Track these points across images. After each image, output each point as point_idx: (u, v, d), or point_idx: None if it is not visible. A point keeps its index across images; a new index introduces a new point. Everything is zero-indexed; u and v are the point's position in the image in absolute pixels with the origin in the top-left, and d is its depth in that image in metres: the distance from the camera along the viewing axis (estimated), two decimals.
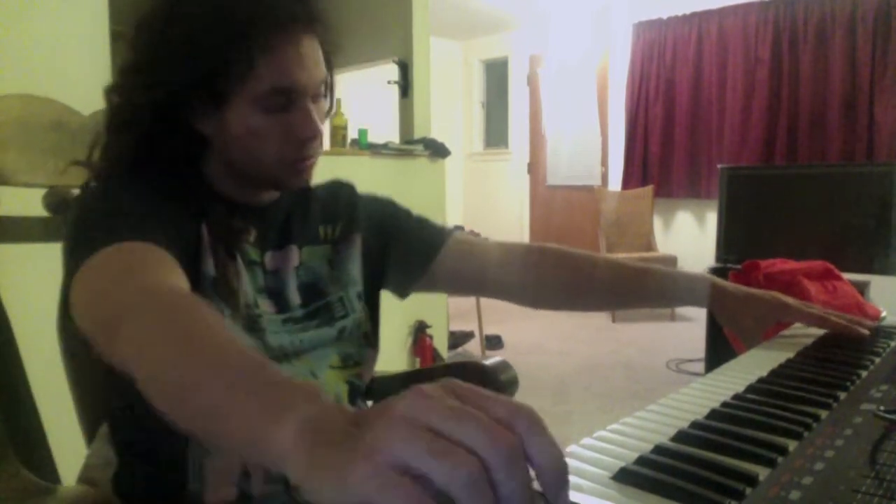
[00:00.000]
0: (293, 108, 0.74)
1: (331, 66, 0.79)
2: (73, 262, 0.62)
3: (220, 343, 0.45)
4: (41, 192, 0.86)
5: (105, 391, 0.78)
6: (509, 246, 0.98)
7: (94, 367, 0.77)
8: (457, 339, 3.88)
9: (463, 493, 0.28)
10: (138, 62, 0.73)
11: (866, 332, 0.90)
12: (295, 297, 0.81)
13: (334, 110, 1.44)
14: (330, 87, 0.80)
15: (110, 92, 0.75)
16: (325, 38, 0.77)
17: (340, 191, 0.93)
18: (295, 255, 0.83)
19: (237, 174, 0.78)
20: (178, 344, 0.46)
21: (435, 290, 0.99)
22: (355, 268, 0.88)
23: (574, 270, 0.97)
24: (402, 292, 0.96)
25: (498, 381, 0.99)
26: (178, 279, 0.62)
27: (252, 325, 0.75)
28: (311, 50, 0.74)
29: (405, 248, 0.93)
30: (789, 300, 0.92)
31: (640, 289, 0.98)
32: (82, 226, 0.68)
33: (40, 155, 0.85)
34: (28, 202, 0.86)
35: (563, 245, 0.99)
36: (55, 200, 0.86)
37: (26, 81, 1.62)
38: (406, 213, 0.97)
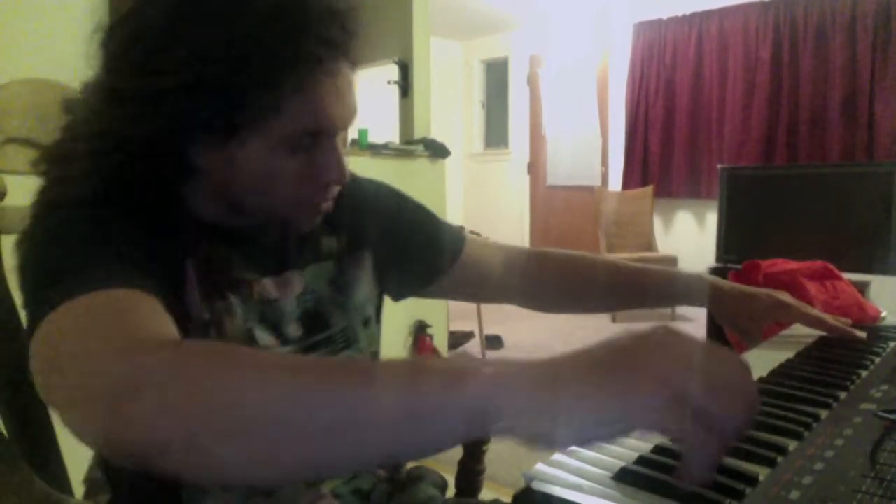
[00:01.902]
0: (319, 149, 0.64)
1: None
2: (37, 307, 0.51)
3: (331, 365, 0.43)
4: None
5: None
6: (511, 252, 0.95)
7: None
8: (457, 339, 3.88)
9: (732, 435, 0.36)
10: (135, 82, 0.59)
11: (863, 335, 0.90)
12: (295, 330, 0.72)
13: None
14: None
15: (90, 102, 0.64)
16: (359, 58, 0.64)
17: (342, 193, 0.78)
18: (297, 281, 0.73)
19: (234, 209, 0.67)
20: (293, 386, 0.39)
21: (432, 297, 0.93)
22: (363, 292, 0.79)
23: (574, 274, 0.96)
24: (398, 297, 0.91)
25: None
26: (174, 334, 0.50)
27: None
28: (347, 81, 0.63)
29: (415, 257, 0.86)
30: (788, 299, 0.92)
31: (639, 290, 0.98)
32: (45, 261, 0.56)
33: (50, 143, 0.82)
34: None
35: (563, 246, 0.99)
36: None
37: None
38: (424, 216, 0.90)
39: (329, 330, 0.75)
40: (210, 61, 0.56)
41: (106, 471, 0.74)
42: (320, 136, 0.63)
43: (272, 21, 0.57)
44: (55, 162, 0.64)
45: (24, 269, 0.58)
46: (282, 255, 0.73)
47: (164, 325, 0.50)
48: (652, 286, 0.97)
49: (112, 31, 0.61)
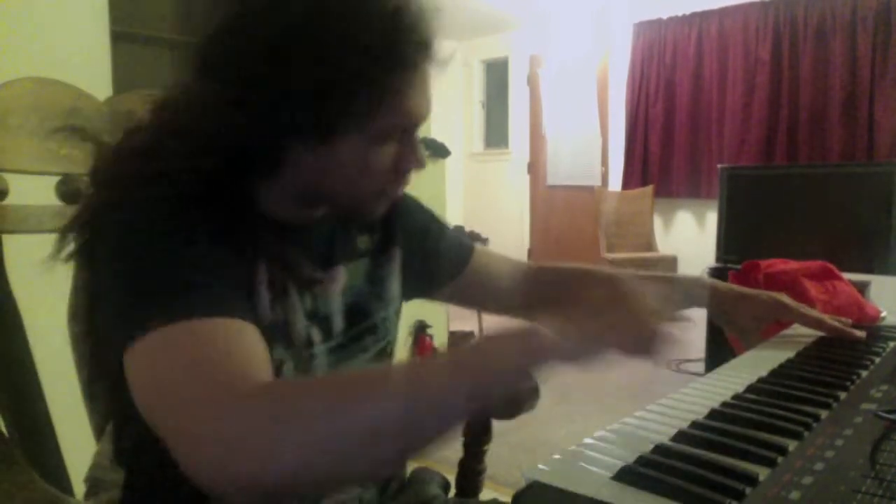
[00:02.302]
0: (405, 140, 0.69)
1: None
2: (131, 319, 0.54)
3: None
4: (54, 180, 0.83)
5: (119, 412, 0.72)
6: (514, 267, 0.98)
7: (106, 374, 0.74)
8: (457, 339, 3.87)
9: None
10: (240, 74, 0.61)
11: (862, 335, 0.90)
12: (339, 322, 0.76)
13: None
14: None
15: (171, 106, 0.66)
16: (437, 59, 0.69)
17: None
18: (341, 276, 0.77)
19: (312, 200, 0.71)
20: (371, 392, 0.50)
21: (437, 301, 0.97)
22: (395, 285, 0.83)
23: (577, 287, 0.96)
24: (407, 298, 0.92)
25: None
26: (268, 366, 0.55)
27: (306, 365, 0.71)
28: (429, 81, 0.68)
29: (430, 263, 0.90)
30: (786, 300, 0.92)
31: None
32: (138, 266, 0.58)
33: (54, 142, 0.81)
34: (41, 191, 0.82)
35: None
36: (69, 189, 0.83)
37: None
38: (436, 224, 0.94)
39: (370, 319, 0.79)
40: (324, 66, 0.60)
41: (123, 458, 0.74)
42: (406, 130, 0.68)
43: (380, 27, 0.61)
44: (138, 157, 0.65)
45: (109, 263, 0.60)
46: (329, 250, 0.76)
47: (262, 362, 0.54)
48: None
49: (217, 35, 0.63)
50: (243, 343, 0.54)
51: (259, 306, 0.66)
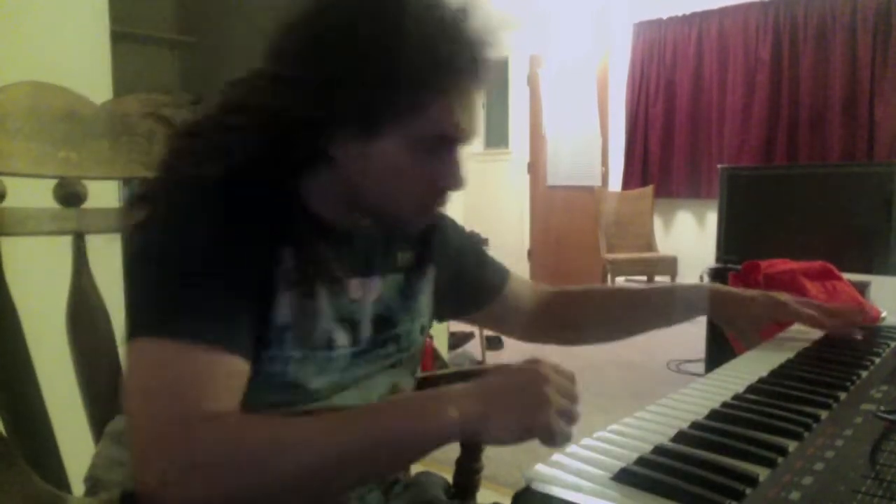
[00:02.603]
0: (446, 155, 0.69)
1: None
2: (142, 315, 0.61)
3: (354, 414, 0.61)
4: (51, 183, 0.83)
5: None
6: (537, 292, 1.01)
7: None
8: (457, 340, 3.87)
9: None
10: (298, 70, 0.64)
11: (859, 336, 0.90)
12: (367, 329, 0.76)
13: None
14: None
15: (238, 86, 0.69)
16: (486, 83, 0.71)
17: None
18: (377, 286, 0.78)
19: (354, 203, 0.72)
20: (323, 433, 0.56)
21: (470, 322, 1.04)
22: (425, 301, 0.85)
23: (596, 308, 1.01)
24: (440, 318, 0.94)
25: None
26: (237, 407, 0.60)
27: (324, 366, 0.72)
28: (476, 101, 0.69)
29: (464, 286, 0.93)
30: (784, 298, 0.93)
31: (645, 311, 1.00)
32: (162, 269, 0.62)
33: (51, 145, 0.82)
34: (38, 194, 0.83)
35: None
36: (66, 192, 0.84)
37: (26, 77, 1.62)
38: (473, 247, 0.96)
39: (395, 329, 0.80)
40: (379, 60, 0.63)
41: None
42: (449, 143, 0.69)
43: (440, 35, 0.64)
44: (198, 133, 0.68)
45: (146, 250, 0.65)
46: (369, 260, 0.77)
47: (232, 399, 0.59)
48: (652, 307, 1.00)
49: (292, 24, 0.66)
50: (218, 379, 0.59)
51: (278, 305, 0.67)
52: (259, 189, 0.66)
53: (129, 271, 0.66)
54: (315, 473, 0.54)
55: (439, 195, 0.72)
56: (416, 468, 0.89)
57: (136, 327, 0.60)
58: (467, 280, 0.93)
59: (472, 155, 7.12)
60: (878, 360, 0.80)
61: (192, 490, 0.51)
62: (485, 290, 0.95)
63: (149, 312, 0.61)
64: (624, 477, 0.48)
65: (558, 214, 6.30)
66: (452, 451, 0.92)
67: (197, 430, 0.54)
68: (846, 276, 2.12)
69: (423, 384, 0.91)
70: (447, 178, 0.70)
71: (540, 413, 0.56)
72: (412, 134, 0.66)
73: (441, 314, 0.92)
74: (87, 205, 0.87)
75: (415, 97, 0.64)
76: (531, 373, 0.60)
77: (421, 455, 0.59)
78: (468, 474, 1.01)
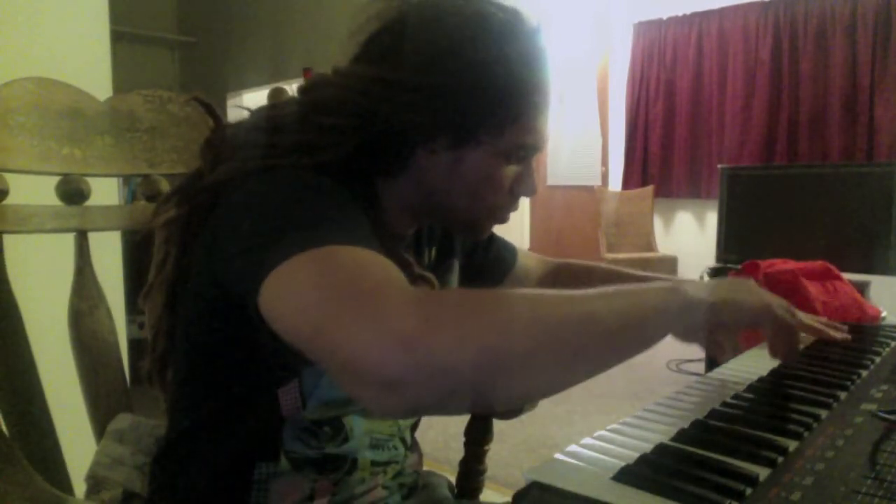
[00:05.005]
0: (522, 164, 0.73)
1: None
2: (274, 252, 0.51)
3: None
4: (54, 180, 0.83)
5: (192, 401, 0.71)
6: (541, 264, 1.03)
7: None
8: None
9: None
10: (407, 76, 0.66)
11: (845, 335, 0.88)
12: None
13: None
14: None
15: (325, 86, 0.69)
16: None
17: None
18: None
19: (424, 208, 0.74)
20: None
21: None
22: None
23: (591, 285, 1.01)
24: None
25: None
26: None
27: None
28: (547, 114, 0.74)
29: (483, 269, 0.95)
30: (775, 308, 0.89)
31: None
32: (277, 213, 0.58)
33: (55, 142, 0.82)
34: (41, 190, 0.83)
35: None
36: (69, 189, 0.83)
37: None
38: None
39: None
40: (485, 74, 0.66)
41: (179, 453, 0.72)
42: (528, 153, 0.73)
43: (532, 50, 0.69)
44: (278, 128, 0.68)
45: (243, 213, 0.60)
46: (405, 259, 0.77)
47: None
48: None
49: (388, 27, 0.69)
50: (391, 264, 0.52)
51: None
52: (343, 185, 0.63)
53: (235, 226, 0.60)
54: (605, 318, 0.52)
55: (512, 201, 0.75)
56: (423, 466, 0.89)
57: (274, 258, 0.51)
58: (480, 259, 0.95)
59: None
60: (878, 360, 0.80)
61: (463, 338, 0.44)
62: (498, 268, 0.98)
63: (288, 239, 0.52)
64: (624, 476, 0.48)
65: (558, 214, 6.30)
66: (455, 452, 0.92)
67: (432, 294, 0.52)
68: (846, 276, 2.11)
69: None
70: (522, 184, 0.74)
71: (769, 299, 0.67)
72: (502, 144, 0.69)
73: None
74: (90, 202, 0.87)
75: (511, 110, 0.68)
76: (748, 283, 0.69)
77: (664, 332, 0.59)
78: (472, 475, 1.01)
